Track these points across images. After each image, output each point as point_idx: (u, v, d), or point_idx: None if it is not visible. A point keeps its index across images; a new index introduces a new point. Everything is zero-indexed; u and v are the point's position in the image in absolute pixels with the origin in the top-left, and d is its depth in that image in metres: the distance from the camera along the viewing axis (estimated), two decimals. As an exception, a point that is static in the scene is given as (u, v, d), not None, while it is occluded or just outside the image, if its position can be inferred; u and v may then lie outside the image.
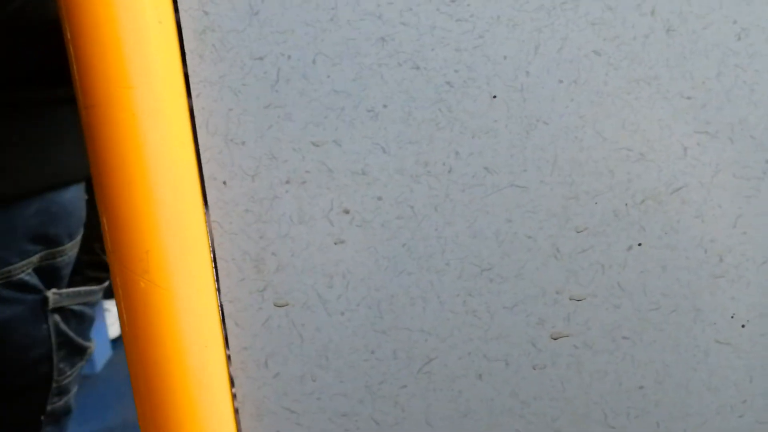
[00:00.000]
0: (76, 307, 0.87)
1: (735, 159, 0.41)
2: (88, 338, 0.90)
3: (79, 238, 0.86)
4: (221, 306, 0.43)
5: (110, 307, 2.20)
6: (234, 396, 0.44)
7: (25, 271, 0.78)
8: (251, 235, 0.42)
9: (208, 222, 0.42)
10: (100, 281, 0.91)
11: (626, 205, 0.41)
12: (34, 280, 0.81)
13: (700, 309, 0.43)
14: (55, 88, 0.77)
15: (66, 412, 0.90)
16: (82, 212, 0.86)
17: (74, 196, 0.83)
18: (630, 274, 0.42)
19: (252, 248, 0.42)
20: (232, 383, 0.44)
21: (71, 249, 0.84)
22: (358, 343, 0.43)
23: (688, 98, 0.40)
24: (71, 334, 0.86)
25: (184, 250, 0.40)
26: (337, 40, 0.40)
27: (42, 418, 0.87)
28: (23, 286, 0.78)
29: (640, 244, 0.42)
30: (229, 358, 0.44)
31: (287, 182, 0.41)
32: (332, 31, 0.39)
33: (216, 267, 0.43)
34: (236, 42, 0.40)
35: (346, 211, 0.42)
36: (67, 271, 0.86)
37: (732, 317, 0.43)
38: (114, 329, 2.18)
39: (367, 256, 0.42)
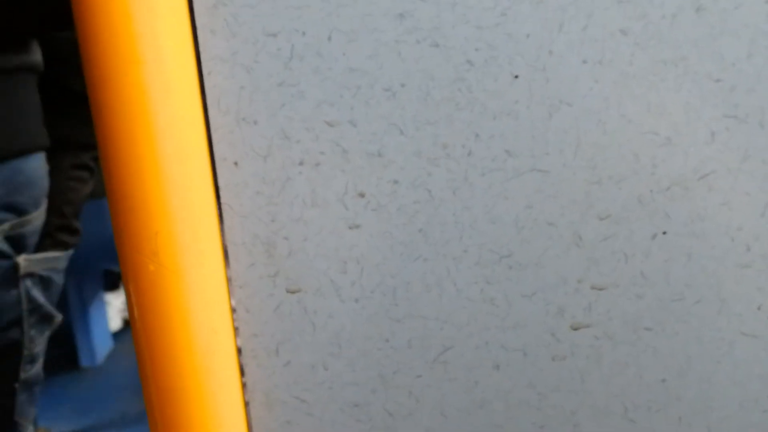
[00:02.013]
0: (44, 273, 0.89)
1: (765, 144, 0.39)
2: (55, 306, 0.92)
3: (43, 207, 0.89)
4: (231, 291, 0.42)
5: (111, 300, 2.19)
6: (243, 384, 0.43)
7: None
8: (262, 218, 0.41)
9: (218, 204, 0.41)
10: (66, 246, 0.92)
11: (651, 191, 0.40)
12: (4, 246, 0.83)
13: (725, 300, 0.41)
14: (9, 56, 0.78)
15: (37, 381, 0.93)
16: (45, 181, 0.89)
17: (37, 165, 0.86)
18: (654, 263, 0.41)
19: (263, 232, 0.41)
20: (241, 371, 0.42)
21: (37, 218, 0.87)
22: (372, 331, 0.42)
23: (717, 80, 0.39)
24: (41, 300, 0.89)
25: (194, 233, 0.39)
26: (354, 16, 0.38)
27: (16, 385, 0.89)
28: None
29: (664, 232, 0.41)
30: (238, 345, 0.42)
31: (300, 163, 0.40)
32: (348, 6, 0.38)
33: (226, 251, 0.41)
34: (249, 17, 0.38)
35: (361, 195, 0.40)
36: (33, 240, 0.89)
37: (758, 308, 0.41)
38: (115, 322, 2.17)
39: (382, 241, 0.41)
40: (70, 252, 0.94)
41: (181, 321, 0.39)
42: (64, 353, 1.94)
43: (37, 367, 0.92)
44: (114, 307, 2.17)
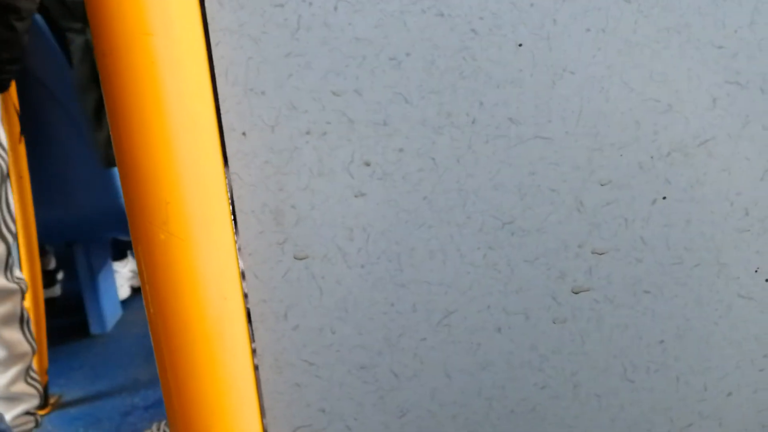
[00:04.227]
0: None
1: (765, 110, 0.40)
2: None
3: None
4: (240, 258, 0.43)
5: (119, 268, 2.21)
6: (253, 348, 0.44)
7: None
8: (271, 187, 0.42)
9: (227, 174, 0.41)
10: None
11: (652, 157, 0.41)
12: None
13: (723, 263, 0.42)
14: None
15: None
16: None
17: None
18: (653, 228, 0.42)
19: (271, 200, 0.42)
20: (251, 336, 0.44)
21: None
22: (378, 295, 0.43)
23: (720, 47, 0.39)
24: None
25: (204, 202, 0.40)
26: (359, -14, 0.38)
27: None
28: None
29: (664, 198, 0.41)
30: (248, 310, 0.44)
31: (307, 133, 0.41)
32: (354, -23, 0.38)
33: (235, 219, 0.42)
34: (255, -12, 0.39)
35: (367, 164, 0.41)
36: None
37: (756, 271, 0.42)
38: (123, 290, 2.19)
39: (387, 209, 0.42)
40: None
41: (192, 288, 0.40)
42: (75, 322, 1.97)
43: None
44: (122, 275, 2.20)
